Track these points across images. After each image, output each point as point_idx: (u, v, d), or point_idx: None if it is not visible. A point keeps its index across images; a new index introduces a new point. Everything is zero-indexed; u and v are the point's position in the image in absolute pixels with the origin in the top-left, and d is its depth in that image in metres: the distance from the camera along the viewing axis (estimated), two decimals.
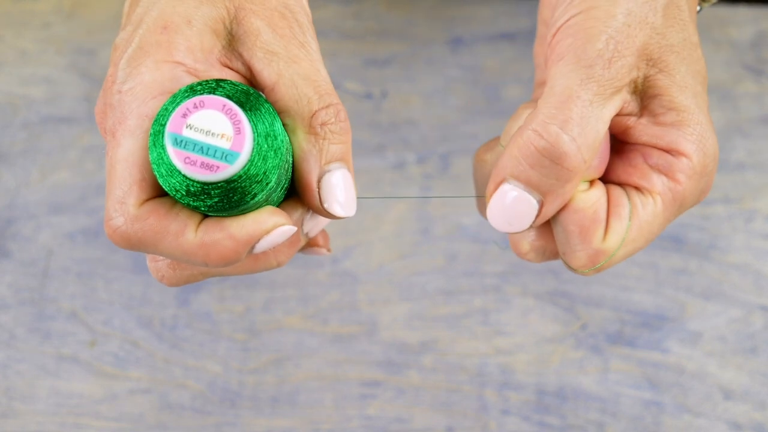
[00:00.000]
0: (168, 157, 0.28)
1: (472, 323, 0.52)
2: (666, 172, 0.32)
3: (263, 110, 0.29)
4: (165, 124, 0.28)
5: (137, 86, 0.30)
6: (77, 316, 0.52)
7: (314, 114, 0.31)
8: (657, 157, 0.32)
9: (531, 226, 0.32)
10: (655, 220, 0.32)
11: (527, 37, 0.59)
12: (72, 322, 0.52)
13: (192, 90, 0.29)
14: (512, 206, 0.32)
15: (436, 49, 0.59)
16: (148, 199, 0.29)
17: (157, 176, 0.28)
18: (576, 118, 0.30)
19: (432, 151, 0.56)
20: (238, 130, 0.28)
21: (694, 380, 0.50)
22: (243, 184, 0.28)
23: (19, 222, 0.55)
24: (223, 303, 0.52)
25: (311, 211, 0.33)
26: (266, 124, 0.29)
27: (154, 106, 0.29)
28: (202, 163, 0.28)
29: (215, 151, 0.28)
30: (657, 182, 0.32)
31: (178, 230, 0.29)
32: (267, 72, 0.31)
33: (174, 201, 0.30)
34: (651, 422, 0.49)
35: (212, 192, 0.28)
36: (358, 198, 0.33)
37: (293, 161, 0.31)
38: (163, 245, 0.29)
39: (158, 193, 0.30)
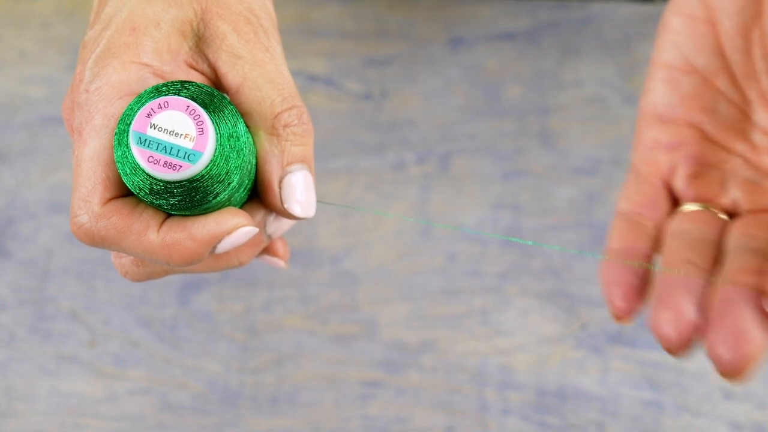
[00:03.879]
0: (132, 156, 0.29)
1: (472, 323, 0.52)
2: None
3: (227, 112, 0.30)
4: (130, 123, 0.29)
5: (104, 86, 0.30)
6: (77, 316, 0.52)
7: (277, 116, 0.31)
8: None
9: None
10: None
11: (527, 37, 0.59)
12: (72, 322, 0.52)
13: (157, 91, 0.30)
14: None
15: (436, 49, 0.59)
16: (112, 198, 0.30)
17: (122, 174, 0.29)
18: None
19: (432, 151, 0.56)
20: (201, 131, 0.28)
21: (694, 380, 0.50)
22: (205, 184, 0.29)
23: (19, 222, 0.55)
24: (223, 303, 0.52)
25: (274, 213, 0.33)
26: (229, 125, 0.30)
27: (120, 107, 0.30)
28: (165, 162, 0.28)
29: (178, 150, 0.28)
30: None
31: (140, 230, 0.29)
32: (232, 75, 0.31)
33: (137, 201, 0.30)
34: (651, 422, 0.49)
35: (175, 191, 0.29)
36: (318, 201, 0.33)
37: (256, 162, 0.32)
38: (125, 243, 0.30)
39: (122, 192, 0.30)
